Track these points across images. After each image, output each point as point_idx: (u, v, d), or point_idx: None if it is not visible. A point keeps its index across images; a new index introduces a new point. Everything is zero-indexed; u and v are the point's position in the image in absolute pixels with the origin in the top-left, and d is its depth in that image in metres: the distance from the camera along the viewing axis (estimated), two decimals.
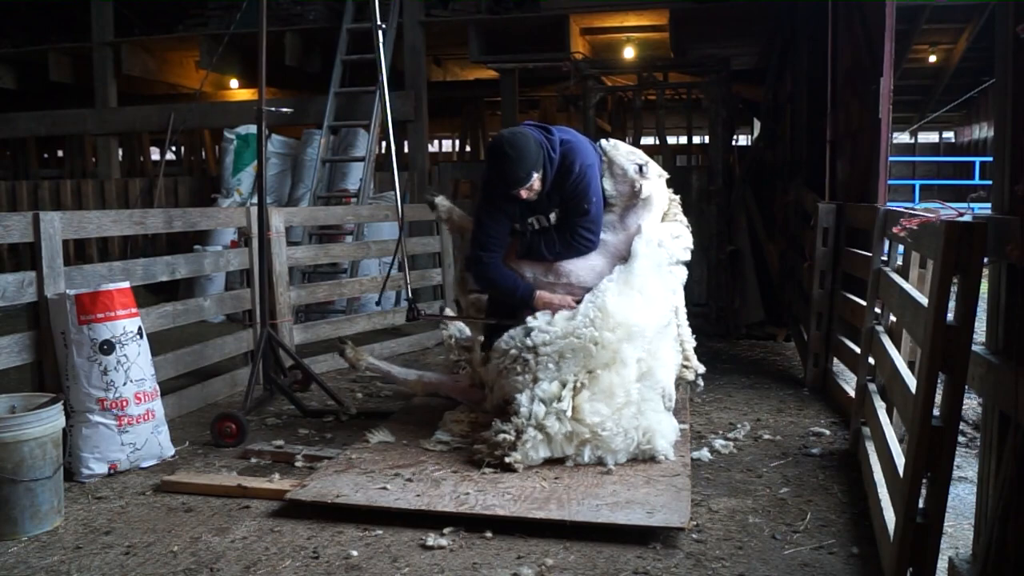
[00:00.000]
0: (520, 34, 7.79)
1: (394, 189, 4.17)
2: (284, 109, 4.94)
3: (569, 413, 3.15)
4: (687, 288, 3.86)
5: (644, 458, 3.25)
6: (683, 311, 3.75)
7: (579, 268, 3.58)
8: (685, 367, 3.73)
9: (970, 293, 2.05)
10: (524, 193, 3.50)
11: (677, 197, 3.88)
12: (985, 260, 2.07)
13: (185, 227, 4.51)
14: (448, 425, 3.61)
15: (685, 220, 3.85)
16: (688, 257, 3.72)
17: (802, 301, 5.28)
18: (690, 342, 3.78)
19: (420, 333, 6.01)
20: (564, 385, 3.22)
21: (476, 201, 3.96)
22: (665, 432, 3.26)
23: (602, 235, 3.63)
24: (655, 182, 3.64)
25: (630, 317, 3.31)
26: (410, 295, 4.16)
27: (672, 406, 3.52)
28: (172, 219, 4.34)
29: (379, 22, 4.13)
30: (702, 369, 3.81)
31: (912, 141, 20.67)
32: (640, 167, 3.61)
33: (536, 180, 3.49)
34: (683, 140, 8.52)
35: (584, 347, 3.26)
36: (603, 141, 3.76)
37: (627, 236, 3.61)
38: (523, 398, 3.23)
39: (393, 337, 5.95)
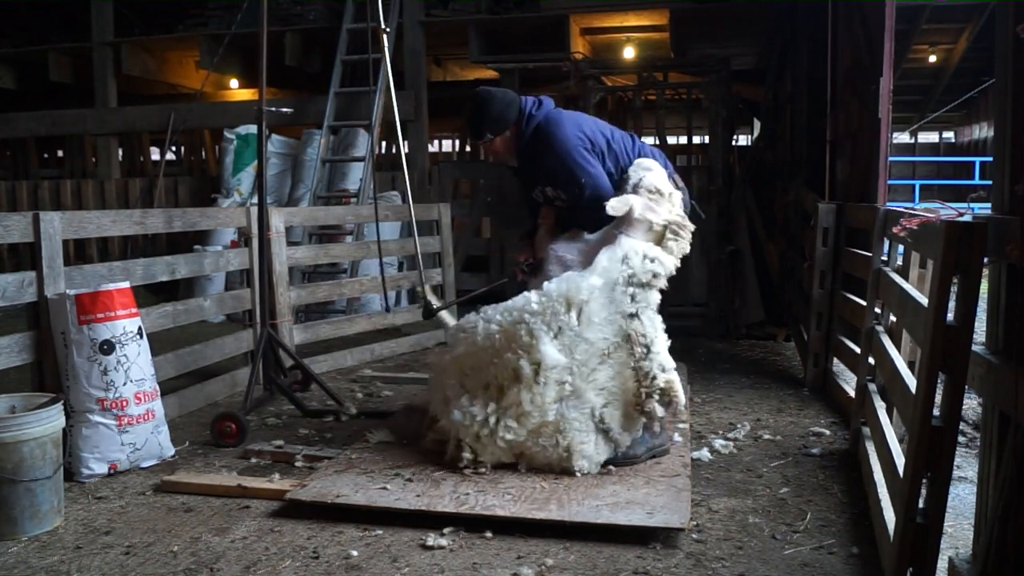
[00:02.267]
0: (520, 34, 7.79)
1: (395, 189, 4.16)
2: (284, 109, 4.94)
3: (487, 430, 3.12)
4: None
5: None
6: (659, 339, 3.23)
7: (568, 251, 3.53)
8: (649, 396, 3.17)
9: (970, 293, 2.05)
10: (486, 150, 3.65)
11: (689, 225, 3.45)
12: (985, 260, 2.07)
13: (185, 227, 4.51)
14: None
15: (678, 248, 3.40)
16: (661, 284, 3.29)
17: (802, 301, 5.28)
18: (665, 374, 3.20)
19: (420, 333, 6.02)
20: (477, 396, 3.19)
21: None
22: (587, 453, 3.12)
23: (585, 235, 3.56)
24: (641, 199, 3.36)
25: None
26: (425, 293, 4.08)
27: (620, 432, 3.18)
28: (172, 219, 4.34)
29: (379, 23, 4.12)
30: (682, 401, 3.28)
31: (912, 141, 20.67)
32: (637, 183, 3.45)
33: (496, 142, 3.58)
34: (683, 140, 8.52)
35: (486, 359, 3.22)
36: (641, 160, 3.62)
37: (602, 243, 3.41)
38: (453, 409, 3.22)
39: (393, 337, 5.95)
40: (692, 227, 3.45)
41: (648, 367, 3.16)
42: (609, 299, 3.18)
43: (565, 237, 3.63)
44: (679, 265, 3.40)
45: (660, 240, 3.37)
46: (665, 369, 3.20)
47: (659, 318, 3.28)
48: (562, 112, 3.64)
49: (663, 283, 3.30)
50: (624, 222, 3.34)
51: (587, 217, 3.52)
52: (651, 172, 3.50)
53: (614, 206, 3.29)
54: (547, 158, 3.52)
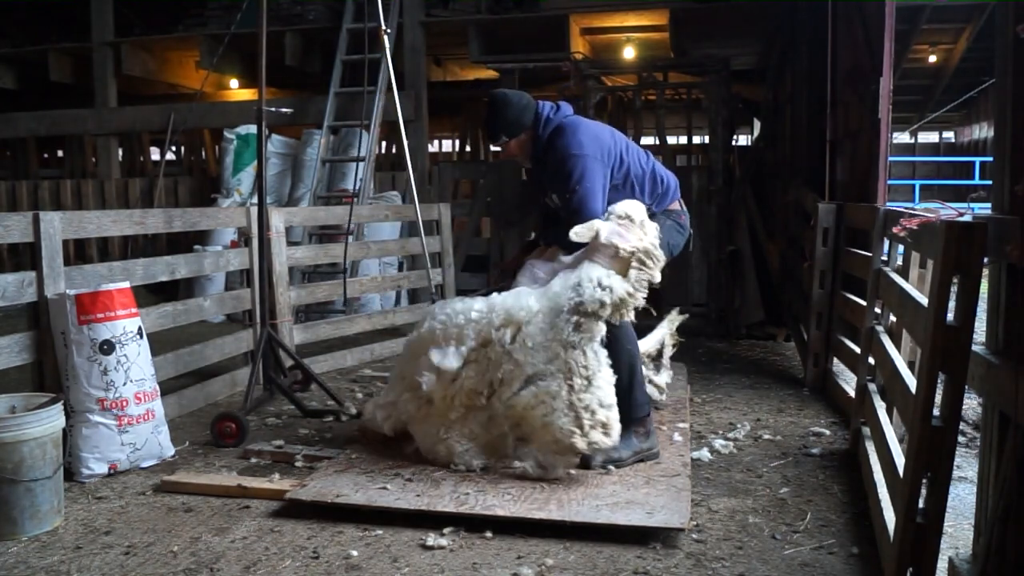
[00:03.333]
0: (520, 34, 7.79)
1: (395, 189, 4.16)
2: (284, 109, 4.94)
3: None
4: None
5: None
6: (601, 373, 3.05)
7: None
8: (593, 428, 2.98)
9: (970, 293, 2.05)
10: (502, 151, 3.61)
11: (659, 255, 3.21)
12: (985, 260, 2.07)
13: (185, 227, 4.51)
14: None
15: (643, 277, 3.17)
16: (605, 313, 3.05)
17: (802, 301, 5.28)
18: (605, 410, 3.01)
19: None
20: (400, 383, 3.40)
21: None
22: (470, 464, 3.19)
23: (561, 256, 3.43)
24: (609, 225, 3.19)
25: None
26: (434, 291, 4.16)
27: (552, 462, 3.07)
28: (172, 219, 4.34)
29: (379, 24, 4.13)
30: (608, 443, 3.02)
31: (912, 141, 20.67)
32: (610, 213, 3.30)
33: (511, 144, 3.54)
34: (683, 140, 8.52)
35: (418, 351, 3.31)
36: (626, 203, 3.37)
37: (569, 265, 3.29)
38: None
39: (393, 337, 5.95)
40: (663, 258, 3.22)
41: (588, 400, 2.98)
42: (551, 325, 3.04)
43: (546, 255, 3.56)
44: (644, 295, 3.16)
45: (626, 268, 3.15)
46: (604, 405, 3.00)
47: (604, 352, 3.09)
48: (581, 119, 3.54)
49: (608, 312, 3.04)
50: (592, 247, 3.19)
51: (564, 231, 3.31)
52: (627, 202, 3.35)
53: (578, 231, 3.15)
54: (554, 159, 3.45)
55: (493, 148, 3.58)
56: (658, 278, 3.21)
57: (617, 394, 3.23)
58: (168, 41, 8.77)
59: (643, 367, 3.86)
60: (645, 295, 3.18)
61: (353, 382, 5.04)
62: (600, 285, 3.05)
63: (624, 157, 3.52)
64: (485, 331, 3.15)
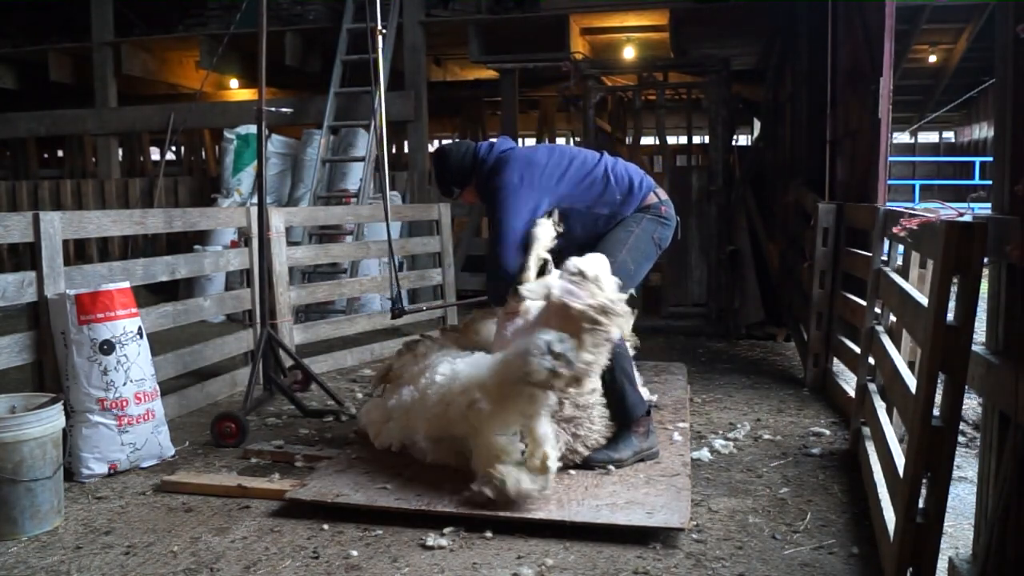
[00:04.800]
0: (520, 34, 7.79)
1: (394, 189, 4.17)
2: (284, 109, 4.94)
3: None
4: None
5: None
6: (549, 443, 2.88)
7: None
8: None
9: (970, 293, 2.05)
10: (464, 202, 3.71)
11: (616, 311, 2.91)
12: (985, 260, 2.07)
13: (185, 227, 4.51)
14: None
15: (597, 339, 2.88)
16: (560, 384, 2.83)
17: (802, 301, 5.28)
18: (537, 480, 2.85)
19: (420, 334, 6.00)
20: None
21: None
22: None
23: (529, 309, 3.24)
24: (560, 283, 2.98)
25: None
26: (393, 295, 4.24)
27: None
28: (172, 219, 4.34)
29: (378, 25, 4.13)
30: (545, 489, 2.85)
31: (912, 141, 20.67)
32: (564, 270, 3.05)
33: (465, 194, 3.58)
34: (683, 140, 8.52)
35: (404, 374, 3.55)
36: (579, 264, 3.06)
37: (530, 326, 3.12)
38: None
39: (393, 337, 5.95)
40: (621, 313, 2.92)
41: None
42: (505, 395, 2.89)
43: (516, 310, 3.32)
44: (605, 356, 2.91)
45: (580, 328, 2.87)
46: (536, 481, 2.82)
47: (550, 425, 2.93)
48: (513, 153, 3.42)
49: (562, 384, 2.81)
50: (547, 307, 3.01)
51: (492, 286, 3.31)
52: (585, 258, 3.09)
53: (530, 289, 3.04)
54: (487, 198, 3.41)
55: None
56: (617, 335, 2.95)
57: (611, 398, 3.26)
58: (168, 41, 8.78)
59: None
60: (608, 356, 2.91)
61: (353, 382, 5.04)
62: (552, 353, 2.76)
63: (567, 172, 3.39)
64: (447, 396, 3.13)
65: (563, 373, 2.76)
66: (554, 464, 2.82)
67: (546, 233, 3.26)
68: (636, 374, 3.50)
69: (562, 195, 3.36)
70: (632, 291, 3.17)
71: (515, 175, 3.31)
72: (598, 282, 2.93)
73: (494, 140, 3.58)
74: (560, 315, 2.90)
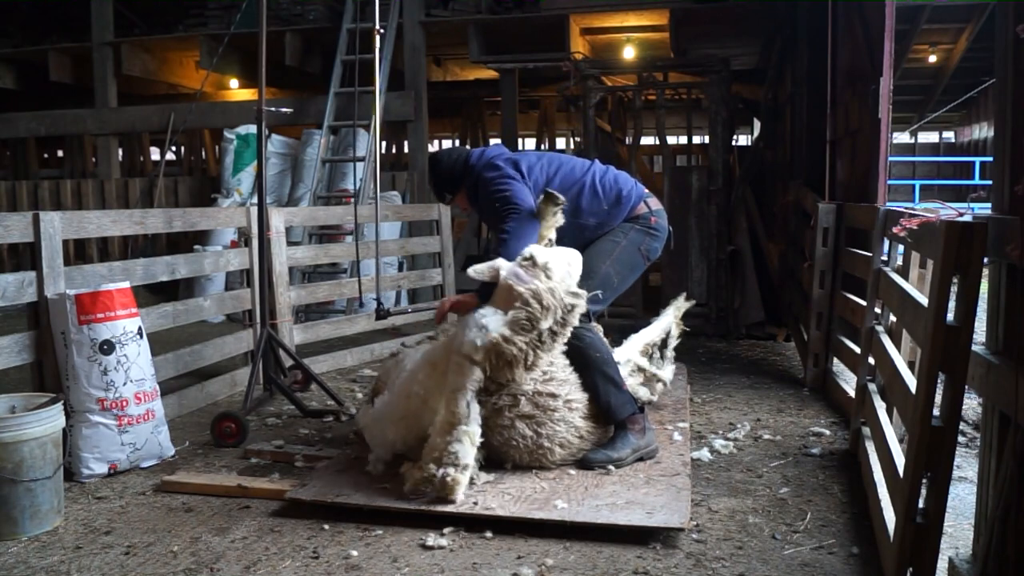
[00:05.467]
0: (520, 34, 7.80)
1: (394, 189, 4.17)
2: (284, 109, 4.95)
3: None
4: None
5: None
6: (462, 428, 2.94)
7: None
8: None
9: (970, 293, 2.05)
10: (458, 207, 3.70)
11: (553, 303, 3.00)
12: (985, 260, 2.07)
13: (185, 227, 4.51)
14: None
15: (519, 317, 2.98)
16: (478, 356, 2.96)
17: (802, 301, 5.28)
18: (447, 466, 2.90)
19: (420, 333, 6.00)
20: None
21: None
22: None
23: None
24: (510, 265, 3.11)
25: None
26: (378, 295, 4.30)
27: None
28: (172, 219, 4.34)
29: (378, 25, 4.13)
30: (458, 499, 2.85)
31: (912, 141, 20.67)
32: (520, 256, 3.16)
33: (458, 199, 3.59)
34: (683, 140, 8.52)
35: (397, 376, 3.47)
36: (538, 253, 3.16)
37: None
38: None
39: (392, 337, 5.95)
40: (556, 306, 2.99)
41: (438, 445, 2.95)
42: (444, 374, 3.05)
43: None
44: (524, 339, 2.96)
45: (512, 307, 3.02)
46: (455, 464, 2.86)
47: (477, 409, 2.97)
48: (504, 156, 3.47)
49: (480, 356, 2.93)
50: (496, 289, 3.12)
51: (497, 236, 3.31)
52: (549, 248, 3.23)
53: (478, 269, 3.12)
54: (485, 196, 3.41)
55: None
56: (546, 324, 2.99)
57: (595, 402, 3.25)
58: (168, 41, 8.78)
59: (646, 359, 3.87)
60: (526, 340, 2.97)
61: (353, 382, 5.04)
62: (478, 325, 2.94)
63: (554, 178, 3.41)
64: (407, 386, 3.19)
65: (480, 345, 2.93)
66: (475, 439, 2.93)
67: (551, 211, 3.30)
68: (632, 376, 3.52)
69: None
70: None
71: (509, 168, 3.40)
72: (547, 270, 3.05)
73: (488, 146, 3.66)
74: (504, 296, 3.07)
